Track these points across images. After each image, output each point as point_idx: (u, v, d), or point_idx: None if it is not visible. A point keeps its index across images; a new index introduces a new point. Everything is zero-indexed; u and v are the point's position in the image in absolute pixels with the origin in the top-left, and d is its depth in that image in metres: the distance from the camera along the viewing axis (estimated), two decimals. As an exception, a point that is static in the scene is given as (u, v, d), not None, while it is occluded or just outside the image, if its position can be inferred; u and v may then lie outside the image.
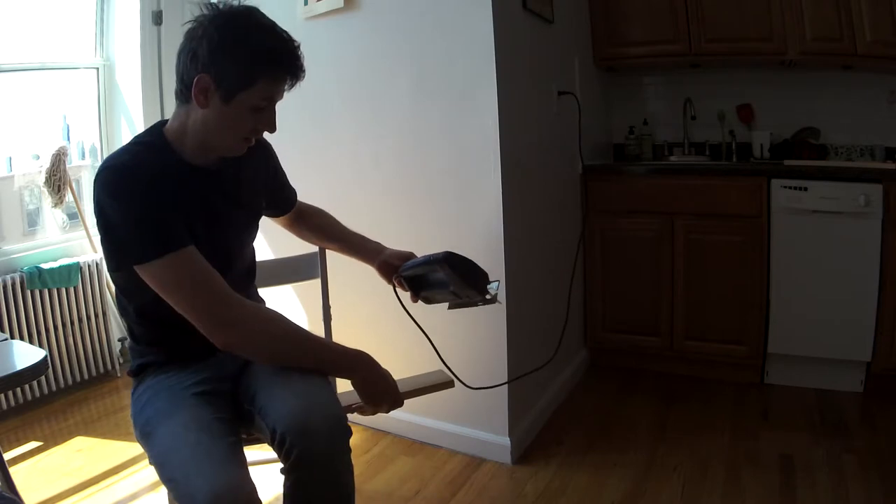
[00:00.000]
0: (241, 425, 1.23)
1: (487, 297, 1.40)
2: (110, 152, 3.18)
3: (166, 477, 1.07)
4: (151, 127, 1.24)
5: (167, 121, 1.22)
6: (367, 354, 1.23)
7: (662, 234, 2.67)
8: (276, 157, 1.47)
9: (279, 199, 1.52)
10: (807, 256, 2.48)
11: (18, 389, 2.58)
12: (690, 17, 2.79)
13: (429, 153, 2.12)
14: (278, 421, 1.08)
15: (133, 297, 1.24)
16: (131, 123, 3.11)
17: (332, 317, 1.76)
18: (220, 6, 1.14)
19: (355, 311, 2.22)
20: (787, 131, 2.94)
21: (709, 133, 3.12)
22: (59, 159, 2.80)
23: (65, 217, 3.00)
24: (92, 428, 2.48)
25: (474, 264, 1.36)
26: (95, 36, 3.11)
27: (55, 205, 2.85)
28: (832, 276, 2.45)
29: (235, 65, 1.10)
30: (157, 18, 3.05)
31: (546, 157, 2.39)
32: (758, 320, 2.56)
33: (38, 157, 2.91)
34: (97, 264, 2.92)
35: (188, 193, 1.17)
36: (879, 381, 2.46)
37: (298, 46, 1.16)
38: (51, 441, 2.37)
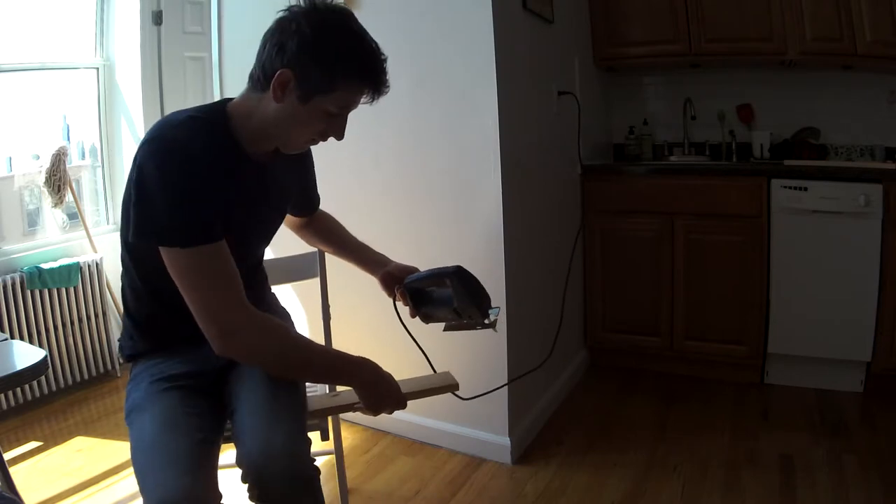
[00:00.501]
0: (218, 420, 1.22)
1: (487, 321, 1.37)
2: (110, 152, 3.22)
3: (135, 470, 1.08)
4: (215, 103, 1.21)
5: (230, 99, 1.19)
6: (369, 361, 1.22)
7: (662, 234, 2.67)
8: (313, 160, 1.47)
9: (306, 201, 1.51)
10: (807, 256, 2.48)
11: (18, 389, 2.58)
12: (690, 17, 2.79)
13: (429, 153, 2.12)
14: (241, 456, 1.09)
15: (141, 264, 1.21)
16: (131, 123, 3.12)
17: (332, 316, 1.76)
18: (316, 1, 1.10)
19: (355, 310, 2.22)
20: (787, 131, 2.94)
21: (709, 133, 3.12)
22: (59, 159, 2.80)
23: (65, 217, 3.00)
24: (92, 428, 2.48)
25: (481, 285, 1.34)
26: (95, 36, 3.11)
27: (55, 205, 2.85)
28: (832, 276, 2.45)
29: (321, 68, 1.07)
30: (157, 18, 3.05)
31: (546, 157, 2.39)
32: (758, 320, 2.56)
33: (38, 157, 2.91)
34: (97, 264, 2.92)
35: (234, 182, 1.14)
36: (879, 381, 2.46)
37: (385, 60, 1.13)
38: (51, 441, 2.37)
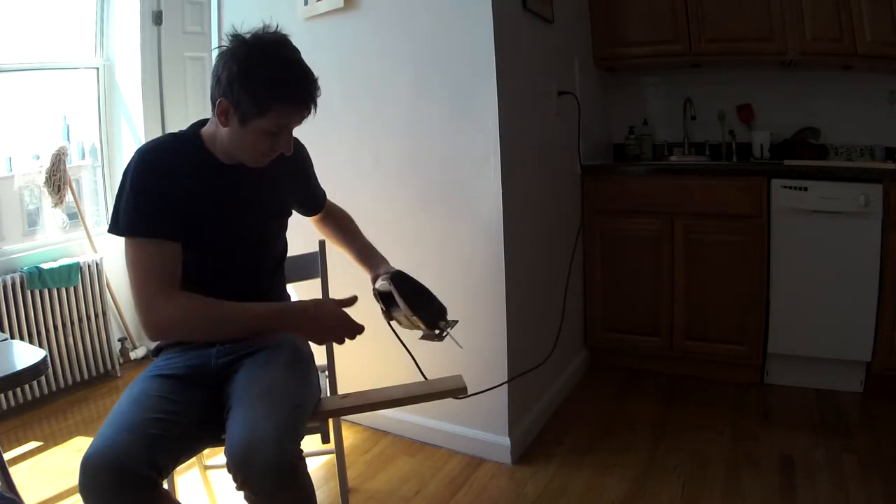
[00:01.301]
0: (200, 414, 1.25)
1: (436, 331, 1.34)
2: (110, 152, 3.22)
3: None
4: (192, 124, 1.36)
5: (207, 120, 1.34)
6: (301, 303, 1.32)
7: (662, 234, 2.67)
8: (309, 161, 1.56)
9: (308, 200, 1.60)
10: (807, 256, 2.48)
11: (18, 389, 2.58)
12: (690, 17, 2.79)
13: (429, 153, 2.12)
14: (226, 449, 1.11)
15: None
16: (131, 123, 3.12)
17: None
18: (247, 36, 1.23)
19: (356, 310, 2.22)
20: (787, 131, 2.94)
21: (709, 133, 3.12)
22: (59, 159, 2.80)
23: (65, 217, 3.00)
24: (92, 428, 2.48)
25: (429, 293, 1.35)
26: (95, 36, 3.11)
27: (55, 205, 2.85)
28: (832, 276, 2.45)
29: (249, 95, 1.20)
30: (157, 18, 3.06)
31: (546, 157, 2.39)
32: (758, 320, 2.56)
33: (38, 157, 2.91)
34: (97, 264, 2.92)
35: (212, 190, 1.28)
36: (879, 381, 2.46)
37: (314, 82, 1.25)
38: (51, 441, 2.37)
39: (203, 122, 1.35)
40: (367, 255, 1.60)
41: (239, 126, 1.24)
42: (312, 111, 1.27)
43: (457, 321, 1.39)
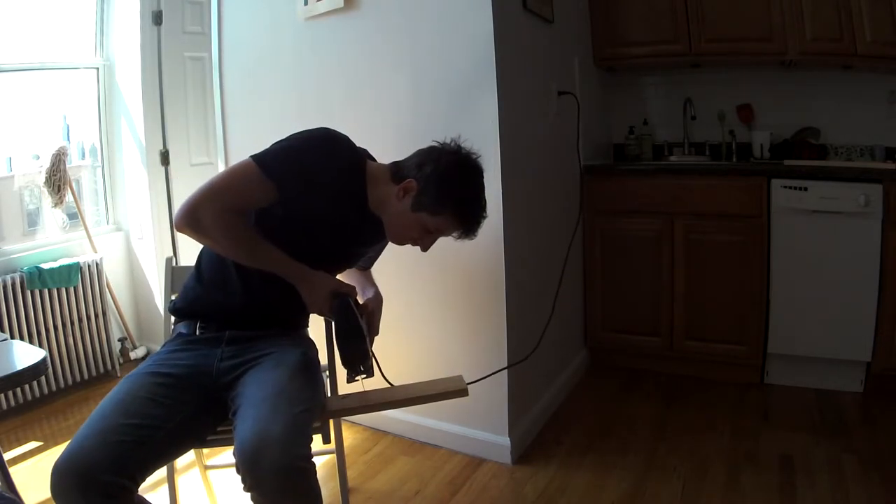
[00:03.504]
0: (199, 420, 1.27)
1: (354, 373, 1.34)
2: (110, 152, 3.21)
3: None
4: (363, 150, 1.52)
5: (372, 161, 1.51)
6: (303, 266, 1.36)
7: (662, 234, 2.67)
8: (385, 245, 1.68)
9: (366, 262, 1.72)
10: (807, 256, 2.48)
11: (18, 389, 2.58)
12: (690, 17, 2.79)
13: (429, 153, 2.11)
14: (236, 448, 1.11)
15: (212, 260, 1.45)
16: (131, 123, 3.12)
17: (332, 317, 1.76)
18: (462, 149, 1.42)
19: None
20: (787, 131, 2.94)
21: (709, 133, 3.12)
22: (59, 159, 2.80)
23: (65, 217, 3.00)
24: (92, 428, 2.48)
25: (358, 334, 1.34)
26: (95, 36, 3.11)
27: (55, 205, 2.85)
28: (832, 276, 2.45)
29: (437, 193, 1.37)
30: (157, 18, 3.05)
31: (546, 157, 2.39)
32: (758, 320, 2.56)
33: (38, 157, 2.91)
34: (97, 264, 2.92)
35: (343, 208, 1.40)
36: (879, 381, 2.46)
37: (485, 218, 1.44)
38: (51, 441, 2.37)
39: (370, 156, 1.51)
40: (362, 276, 1.70)
41: (409, 208, 1.39)
42: (468, 237, 1.43)
43: (367, 376, 1.36)
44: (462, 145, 1.44)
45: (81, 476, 1.03)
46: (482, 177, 1.45)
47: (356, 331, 1.33)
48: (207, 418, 1.29)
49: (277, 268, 1.35)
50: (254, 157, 1.33)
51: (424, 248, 1.46)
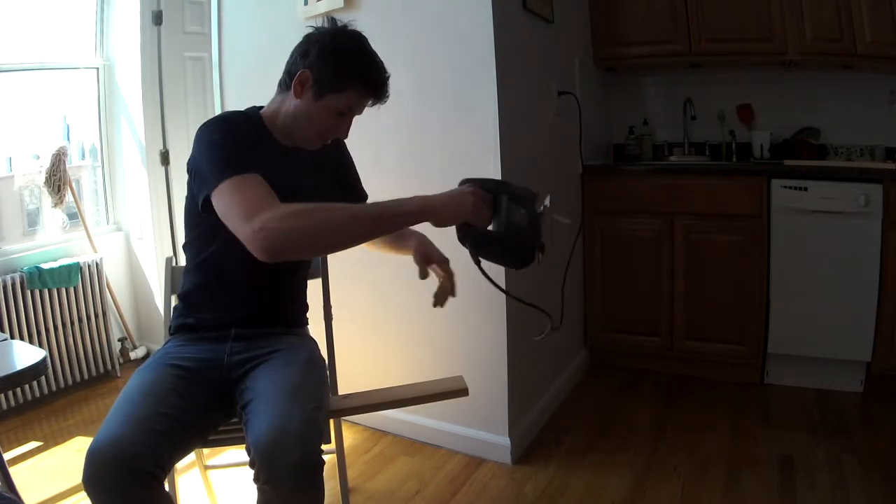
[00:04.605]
0: (212, 416, 1.28)
1: (541, 209, 1.20)
2: (110, 152, 3.21)
3: None
4: (248, 108, 1.42)
5: (262, 107, 1.41)
6: (427, 197, 1.24)
7: (662, 234, 2.67)
8: (349, 157, 1.61)
9: (348, 194, 1.56)
10: (807, 256, 2.48)
11: (18, 389, 2.58)
12: (690, 17, 2.79)
13: (429, 153, 2.12)
14: (251, 443, 1.11)
15: (196, 248, 1.39)
16: (131, 123, 3.11)
17: (333, 317, 1.76)
18: (338, 23, 1.35)
19: (357, 311, 2.23)
20: (787, 131, 2.94)
21: (709, 133, 3.12)
22: (59, 159, 2.80)
23: (65, 217, 3.00)
24: (92, 428, 2.48)
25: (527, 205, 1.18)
26: (95, 36, 3.11)
27: (55, 205, 2.85)
28: (832, 276, 2.45)
29: (334, 70, 1.28)
30: (157, 18, 3.05)
31: (546, 157, 2.39)
32: (758, 320, 2.56)
33: (38, 157, 2.91)
34: (97, 264, 2.92)
35: (269, 163, 1.24)
36: (879, 381, 2.46)
37: (388, 76, 1.34)
38: (51, 441, 2.37)
39: (260, 107, 1.41)
40: (401, 237, 1.57)
41: (312, 99, 1.30)
42: (381, 101, 1.34)
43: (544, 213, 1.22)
44: (333, 19, 1.36)
45: (122, 464, 1.03)
46: (366, 40, 1.34)
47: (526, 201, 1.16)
48: (215, 414, 1.29)
49: (396, 210, 1.19)
50: (208, 191, 1.16)
51: (344, 135, 1.38)
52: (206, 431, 1.30)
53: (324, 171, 1.49)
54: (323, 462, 1.13)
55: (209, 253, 1.35)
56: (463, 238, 1.23)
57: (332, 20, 1.35)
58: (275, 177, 1.19)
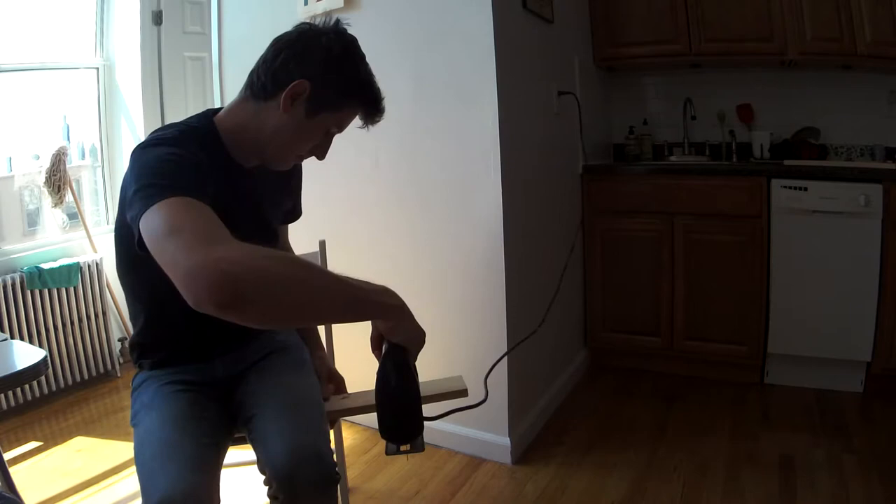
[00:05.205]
0: (226, 428, 1.22)
1: (400, 447, 1.05)
2: (110, 152, 3.21)
3: (138, 469, 1.07)
4: (201, 114, 1.17)
5: (218, 110, 1.17)
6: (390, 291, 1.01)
7: (662, 234, 2.67)
8: (301, 175, 1.42)
9: (289, 213, 1.43)
10: (807, 256, 2.48)
11: (18, 389, 2.58)
12: (690, 17, 2.79)
13: (429, 153, 2.12)
14: (268, 463, 1.08)
15: (142, 301, 1.20)
16: (131, 123, 3.12)
17: (332, 317, 1.76)
18: (339, 23, 1.11)
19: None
20: (787, 131, 2.94)
21: (709, 133, 3.12)
22: (59, 159, 2.80)
23: (65, 217, 3.00)
24: (92, 428, 2.48)
25: (403, 408, 1.01)
26: (95, 36, 3.11)
27: (55, 205, 2.85)
28: (832, 276, 2.45)
29: (338, 85, 1.08)
30: (157, 18, 3.06)
31: (546, 157, 2.39)
32: (758, 320, 2.56)
33: (38, 157, 2.91)
34: (97, 264, 2.92)
35: (222, 186, 1.02)
36: (879, 381, 2.46)
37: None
38: (51, 441, 2.37)
39: (214, 112, 1.16)
40: (312, 333, 1.48)
41: (304, 116, 1.08)
42: (374, 123, 1.17)
43: (422, 449, 1.09)
44: (337, 20, 1.13)
45: None
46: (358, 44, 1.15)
47: (417, 394, 1.02)
48: (228, 423, 1.25)
49: (368, 295, 0.95)
50: (144, 208, 0.88)
51: (323, 156, 1.18)
52: (229, 440, 1.25)
53: (282, 193, 1.32)
54: (339, 476, 1.11)
55: (158, 301, 1.13)
56: (391, 356, 1.01)
57: (336, 20, 1.12)
58: (228, 204, 0.96)
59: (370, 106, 1.14)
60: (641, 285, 2.74)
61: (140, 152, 1.01)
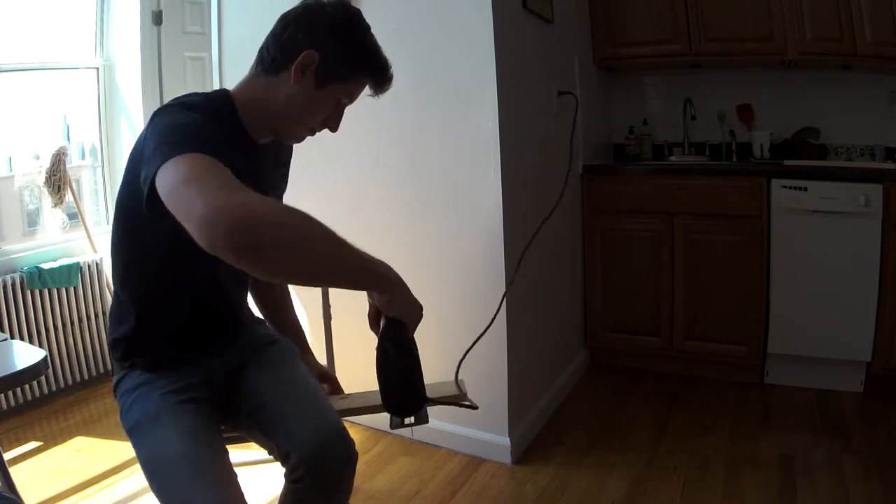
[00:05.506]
0: (223, 429, 1.23)
1: (404, 420, 1.09)
2: (110, 152, 3.21)
3: (157, 486, 1.04)
4: (217, 90, 1.19)
5: (227, 90, 1.17)
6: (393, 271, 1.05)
7: (662, 234, 2.67)
8: (292, 152, 1.41)
9: (277, 188, 1.39)
10: (807, 256, 2.48)
11: (18, 389, 2.57)
12: (690, 17, 2.79)
13: (429, 153, 2.12)
14: (293, 448, 1.07)
15: (135, 287, 1.18)
16: (131, 123, 3.12)
17: (332, 317, 1.76)
18: None
19: (357, 310, 2.22)
20: (787, 131, 2.94)
21: (709, 133, 3.12)
22: (59, 159, 2.80)
23: (65, 217, 3.00)
24: (92, 428, 2.48)
25: (416, 370, 1.04)
26: (95, 36, 3.11)
27: (55, 205, 2.85)
28: (832, 276, 2.45)
29: (346, 53, 1.09)
30: (157, 18, 3.05)
31: (546, 156, 2.39)
32: (758, 320, 2.56)
33: (38, 157, 2.91)
34: (97, 264, 2.92)
35: (235, 158, 0.98)
36: (879, 381, 2.46)
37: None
38: (51, 441, 2.37)
39: (225, 90, 1.17)
40: (301, 336, 1.49)
41: (314, 87, 1.09)
42: (384, 91, 1.18)
43: (426, 421, 1.13)
44: None
45: None
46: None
47: (418, 365, 1.05)
48: (223, 423, 1.25)
49: (372, 266, 0.98)
50: (164, 159, 0.88)
51: (335, 128, 1.19)
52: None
53: (276, 169, 1.33)
54: (357, 454, 1.13)
55: (153, 292, 1.15)
56: (389, 329, 1.04)
57: None
58: (240, 178, 0.92)
59: (378, 74, 1.14)
60: (641, 285, 2.74)
61: (162, 114, 1.01)
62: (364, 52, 1.11)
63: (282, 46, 1.09)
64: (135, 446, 1.12)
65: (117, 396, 1.23)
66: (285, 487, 1.12)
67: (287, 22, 1.10)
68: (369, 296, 1.06)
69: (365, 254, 0.97)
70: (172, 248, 1.01)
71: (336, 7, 1.10)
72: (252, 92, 1.13)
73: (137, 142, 1.03)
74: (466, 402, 1.30)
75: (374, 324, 1.08)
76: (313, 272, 0.91)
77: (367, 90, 1.17)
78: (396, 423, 1.09)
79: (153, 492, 1.05)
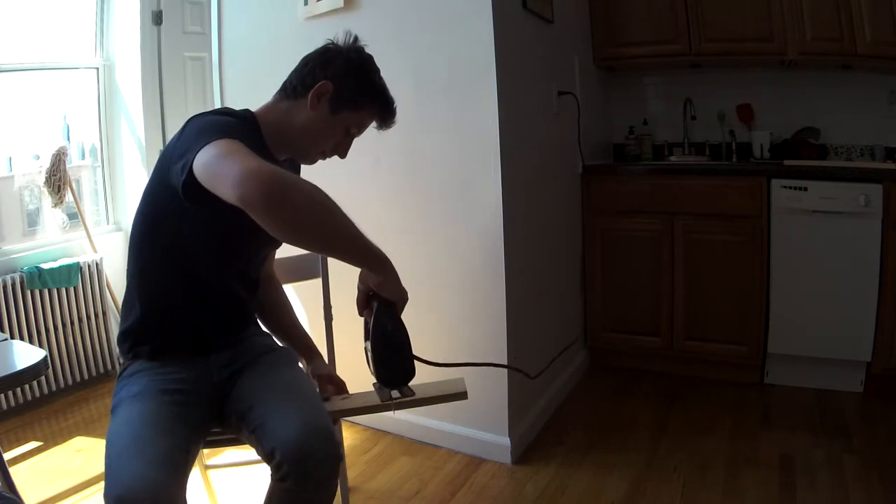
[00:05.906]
0: (206, 433, 1.25)
1: (390, 394, 1.21)
2: (110, 152, 3.21)
3: (105, 461, 1.06)
4: (241, 110, 1.32)
5: (248, 111, 1.32)
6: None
7: (662, 234, 2.67)
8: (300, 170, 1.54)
9: None
10: (807, 256, 2.48)
11: (18, 389, 2.58)
12: (690, 17, 2.79)
13: (428, 153, 2.12)
14: (277, 445, 1.09)
15: (148, 285, 1.27)
16: (131, 123, 3.12)
17: (333, 317, 1.76)
18: (357, 40, 1.32)
19: (356, 311, 2.22)
20: (787, 131, 2.94)
21: (709, 133, 3.12)
22: (59, 159, 2.80)
23: (65, 217, 3.00)
24: (92, 428, 2.48)
25: (406, 348, 1.17)
26: (95, 36, 3.11)
27: (55, 205, 2.85)
28: (832, 276, 2.45)
29: (356, 87, 1.27)
30: (157, 18, 3.06)
31: (546, 157, 2.39)
32: (758, 320, 2.56)
33: (38, 157, 2.91)
34: (97, 264, 2.92)
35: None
36: (879, 381, 2.46)
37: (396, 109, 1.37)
38: (51, 441, 2.37)
39: (249, 112, 1.31)
40: (303, 340, 1.54)
41: (328, 113, 1.27)
42: (387, 126, 1.36)
43: (413, 395, 1.25)
44: (356, 36, 1.33)
45: None
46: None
47: (408, 339, 1.18)
48: (210, 428, 1.28)
49: (370, 248, 1.13)
50: (198, 149, 1.04)
51: (344, 155, 1.36)
52: (201, 445, 1.28)
53: None
54: (343, 455, 1.17)
55: (166, 283, 1.25)
56: (383, 308, 1.18)
57: (355, 37, 1.33)
58: None
59: (384, 109, 1.33)
60: (641, 285, 2.74)
61: (197, 118, 1.18)
62: (372, 89, 1.30)
63: (302, 78, 1.28)
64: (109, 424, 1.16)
65: (118, 380, 1.30)
66: (271, 486, 1.14)
67: (307, 60, 1.30)
68: (360, 280, 1.21)
69: (368, 238, 1.13)
70: (191, 248, 1.22)
71: (351, 50, 1.30)
72: (274, 114, 1.30)
73: (170, 142, 1.18)
74: (458, 391, 1.36)
75: (364, 307, 1.23)
76: (329, 237, 1.06)
77: (373, 124, 1.35)
78: (385, 396, 1.21)
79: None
